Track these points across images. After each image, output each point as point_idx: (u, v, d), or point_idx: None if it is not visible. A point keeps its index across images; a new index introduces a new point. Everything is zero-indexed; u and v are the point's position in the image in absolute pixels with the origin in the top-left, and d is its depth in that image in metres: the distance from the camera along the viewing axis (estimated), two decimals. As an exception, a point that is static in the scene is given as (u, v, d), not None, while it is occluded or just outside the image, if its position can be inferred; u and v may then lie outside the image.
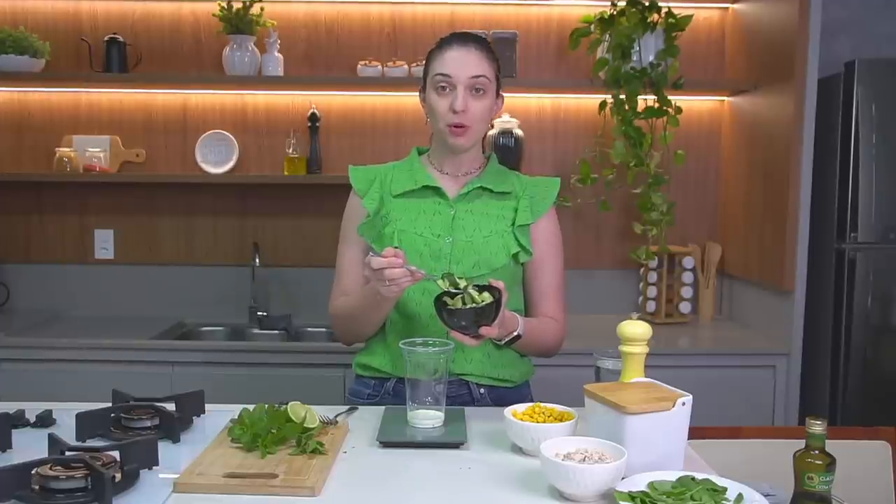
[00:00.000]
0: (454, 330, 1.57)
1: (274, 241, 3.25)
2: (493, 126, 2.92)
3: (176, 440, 1.50)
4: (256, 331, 3.11)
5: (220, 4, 2.99)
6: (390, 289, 1.57)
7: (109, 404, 1.60)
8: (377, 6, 3.17)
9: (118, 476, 1.26)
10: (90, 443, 1.46)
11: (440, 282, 1.60)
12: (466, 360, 1.77)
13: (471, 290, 1.58)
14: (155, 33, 3.18)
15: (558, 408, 1.52)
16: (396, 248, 1.62)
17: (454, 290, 1.58)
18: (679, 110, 2.95)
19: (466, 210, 1.80)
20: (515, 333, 1.70)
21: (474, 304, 1.56)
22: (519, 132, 3.02)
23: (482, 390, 1.80)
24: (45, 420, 1.57)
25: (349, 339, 1.88)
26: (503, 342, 1.71)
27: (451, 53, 1.75)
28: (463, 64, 1.73)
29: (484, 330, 1.56)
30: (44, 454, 1.33)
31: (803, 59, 2.65)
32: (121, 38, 3.07)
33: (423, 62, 1.83)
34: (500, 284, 1.58)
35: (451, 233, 1.77)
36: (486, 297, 1.57)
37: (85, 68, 3.11)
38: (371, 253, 1.65)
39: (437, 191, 1.81)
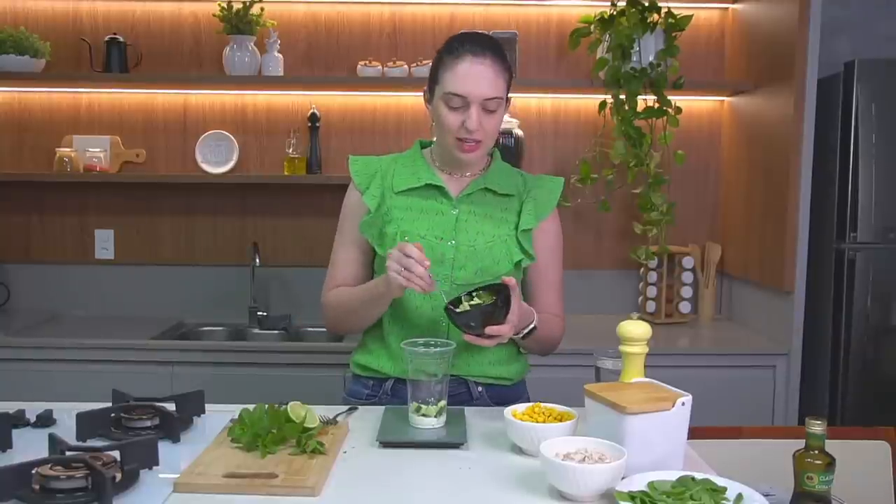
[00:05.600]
0: (464, 332, 1.58)
1: (274, 241, 3.25)
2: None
3: (176, 440, 1.50)
4: (256, 331, 3.11)
5: (220, 4, 2.99)
6: (399, 278, 1.56)
7: (109, 404, 1.60)
8: (377, 6, 3.17)
9: (118, 476, 1.26)
10: (90, 443, 1.46)
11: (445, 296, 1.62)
12: (464, 359, 1.76)
13: (479, 293, 1.58)
14: (155, 33, 3.18)
15: (558, 408, 1.53)
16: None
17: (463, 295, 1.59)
18: (679, 110, 2.95)
19: (469, 211, 1.78)
20: (532, 325, 1.70)
21: (481, 303, 1.56)
22: (519, 132, 3.02)
23: (480, 388, 1.80)
24: (45, 420, 1.57)
25: (341, 330, 1.88)
26: (521, 335, 1.71)
27: (465, 68, 1.66)
28: (477, 82, 1.65)
29: (492, 329, 1.56)
30: (44, 454, 1.33)
31: (803, 59, 2.65)
32: (121, 38, 3.06)
33: (423, 62, 1.78)
34: (510, 281, 1.58)
35: (455, 235, 1.75)
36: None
37: (85, 68, 3.11)
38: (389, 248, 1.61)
39: (440, 189, 1.78)
